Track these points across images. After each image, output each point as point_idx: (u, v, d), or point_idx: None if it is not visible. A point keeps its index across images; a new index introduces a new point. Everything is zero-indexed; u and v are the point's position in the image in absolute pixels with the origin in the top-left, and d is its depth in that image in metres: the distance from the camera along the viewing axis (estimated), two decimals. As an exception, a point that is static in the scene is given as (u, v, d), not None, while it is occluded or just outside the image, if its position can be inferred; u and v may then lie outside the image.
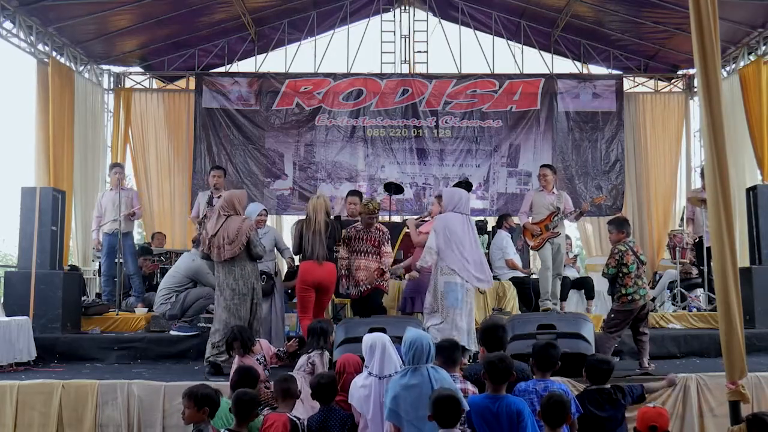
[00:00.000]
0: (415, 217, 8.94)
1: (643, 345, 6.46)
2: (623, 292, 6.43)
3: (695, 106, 11.68)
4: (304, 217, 6.91)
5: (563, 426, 3.96)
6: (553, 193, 8.39)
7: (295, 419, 4.35)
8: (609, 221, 6.93)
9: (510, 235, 9.04)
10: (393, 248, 7.43)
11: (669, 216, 11.58)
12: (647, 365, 6.34)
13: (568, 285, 8.80)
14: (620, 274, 6.47)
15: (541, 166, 8.66)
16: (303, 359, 5.28)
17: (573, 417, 4.34)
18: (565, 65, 12.03)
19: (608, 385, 4.82)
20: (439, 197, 7.14)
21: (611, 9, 10.53)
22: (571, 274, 9.36)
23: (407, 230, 7.89)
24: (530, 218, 8.31)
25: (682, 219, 9.68)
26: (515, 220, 9.33)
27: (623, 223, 6.69)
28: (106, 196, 9.19)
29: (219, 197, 7.20)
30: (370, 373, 4.43)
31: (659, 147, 11.78)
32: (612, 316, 6.57)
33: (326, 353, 5.32)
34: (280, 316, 7.36)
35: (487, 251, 9.07)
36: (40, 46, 9.57)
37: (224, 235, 6.05)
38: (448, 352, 4.55)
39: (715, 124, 4.46)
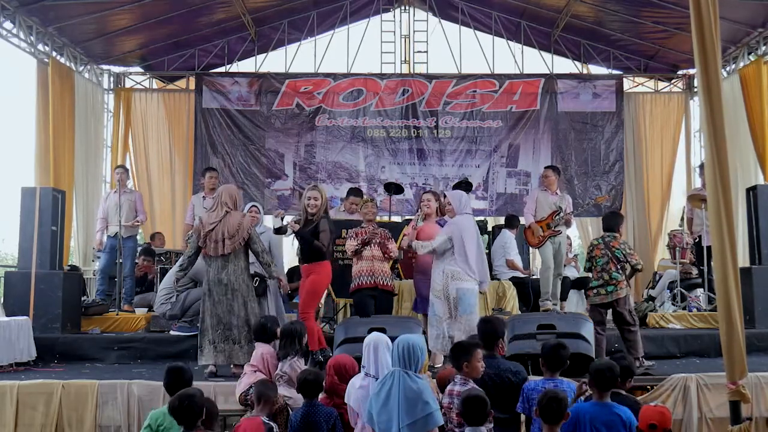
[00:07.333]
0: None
1: (632, 344, 6.36)
2: (590, 285, 6.51)
3: (695, 106, 11.67)
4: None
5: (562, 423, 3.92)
6: (556, 194, 8.43)
7: (269, 423, 4.26)
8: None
9: (513, 236, 9.05)
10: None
11: (668, 216, 11.57)
12: (644, 363, 6.32)
13: (568, 285, 8.80)
14: (592, 267, 6.55)
15: (545, 168, 8.68)
16: (278, 369, 5.23)
17: None
18: (565, 65, 12.05)
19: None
20: (429, 196, 7.13)
21: (611, 9, 10.52)
22: (571, 273, 9.36)
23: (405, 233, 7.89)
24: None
25: (681, 219, 9.67)
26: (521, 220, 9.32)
27: (609, 221, 6.75)
28: (110, 198, 9.16)
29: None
30: (366, 374, 4.42)
31: (659, 147, 11.76)
32: (587, 310, 6.62)
33: (297, 359, 5.22)
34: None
35: (487, 251, 9.08)
36: (40, 46, 9.56)
37: (224, 230, 6.03)
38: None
39: (715, 124, 4.46)
